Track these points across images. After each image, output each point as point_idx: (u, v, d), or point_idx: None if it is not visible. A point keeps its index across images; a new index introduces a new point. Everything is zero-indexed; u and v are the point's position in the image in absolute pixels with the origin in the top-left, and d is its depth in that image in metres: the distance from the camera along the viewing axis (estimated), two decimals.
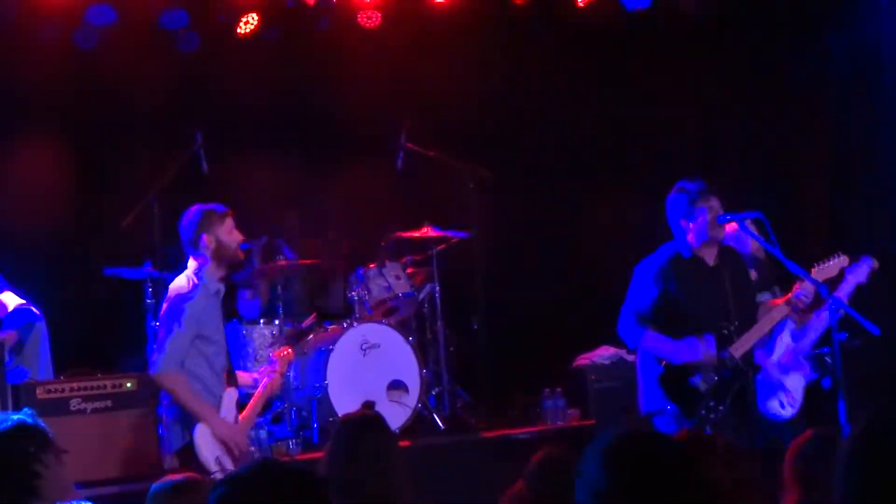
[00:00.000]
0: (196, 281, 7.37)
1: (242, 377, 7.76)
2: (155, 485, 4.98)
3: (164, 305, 7.43)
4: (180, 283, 7.43)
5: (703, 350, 7.57)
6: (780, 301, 7.86)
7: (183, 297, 7.28)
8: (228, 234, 7.42)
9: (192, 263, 7.45)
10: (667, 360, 7.66)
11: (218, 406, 7.38)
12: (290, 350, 8.11)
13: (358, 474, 5.16)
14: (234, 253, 7.46)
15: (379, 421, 5.64)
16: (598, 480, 2.70)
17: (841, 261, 7.89)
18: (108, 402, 8.53)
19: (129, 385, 8.02)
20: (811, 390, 8.06)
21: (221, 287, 7.52)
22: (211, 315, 7.36)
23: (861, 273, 7.90)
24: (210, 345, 7.34)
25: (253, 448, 7.72)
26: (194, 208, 7.47)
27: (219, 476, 6.79)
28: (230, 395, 7.53)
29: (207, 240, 7.35)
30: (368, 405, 5.92)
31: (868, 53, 11.07)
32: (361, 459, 5.29)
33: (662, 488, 2.67)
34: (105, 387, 8.57)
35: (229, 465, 7.13)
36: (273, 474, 2.91)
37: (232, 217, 7.48)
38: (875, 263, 7.92)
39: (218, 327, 7.43)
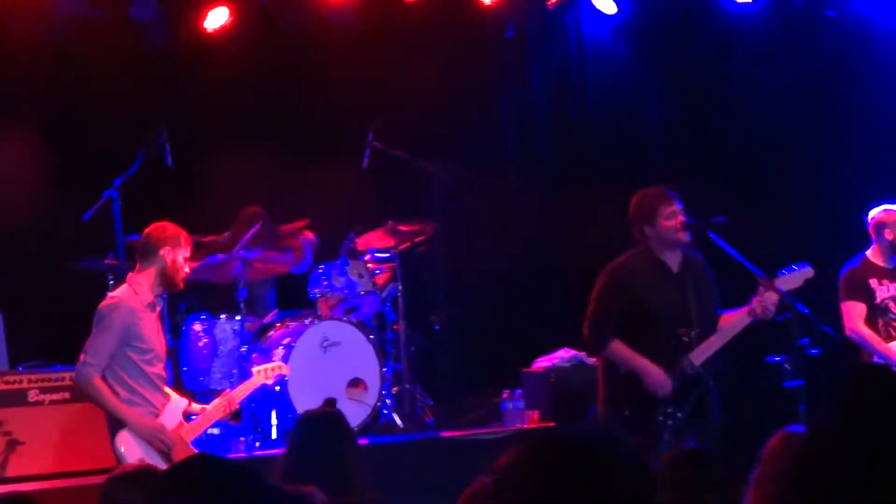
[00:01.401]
0: (132, 291, 7.43)
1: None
2: (110, 475, 4.91)
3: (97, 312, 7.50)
4: (117, 291, 7.55)
5: (660, 386, 7.56)
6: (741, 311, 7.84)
7: (111, 307, 7.36)
8: (183, 260, 7.51)
9: (135, 273, 7.53)
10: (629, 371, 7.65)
11: (156, 413, 7.40)
12: (283, 366, 8.17)
13: (317, 470, 5.11)
14: (179, 279, 7.54)
15: (338, 418, 5.60)
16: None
17: (805, 272, 7.86)
18: (66, 395, 8.46)
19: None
20: (773, 395, 8.05)
21: (159, 300, 7.62)
22: (145, 324, 7.39)
23: (795, 280, 7.88)
24: (144, 353, 7.36)
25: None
26: (169, 224, 7.54)
27: None
28: (175, 404, 7.53)
29: (164, 255, 7.43)
30: (330, 402, 5.89)
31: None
32: (320, 455, 5.25)
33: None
34: (63, 379, 8.53)
35: (158, 462, 7.03)
36: (205, 466, 3.00)
37: (191, 247, 7.61)
38: (811, 272, 7.91)
39: (151, 337, 7.43)
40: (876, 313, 9.00)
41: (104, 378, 7.29)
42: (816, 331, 7.59)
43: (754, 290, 7.76)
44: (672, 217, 7.78)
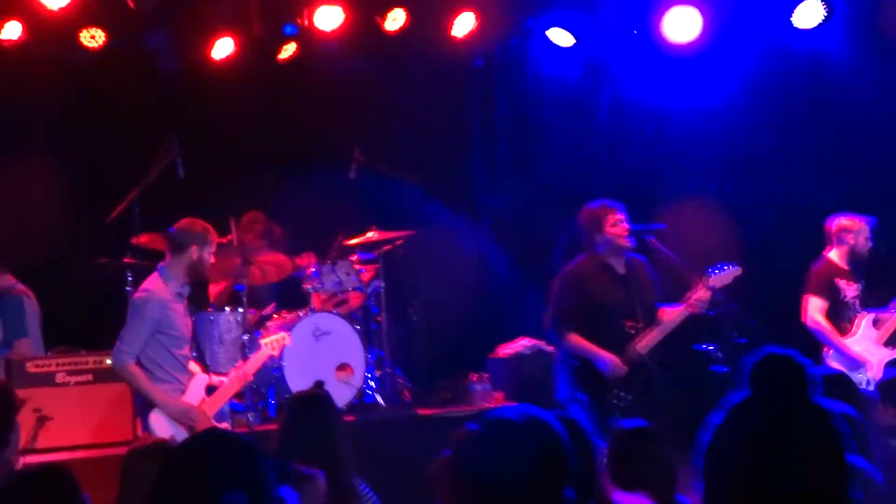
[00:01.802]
0: (161, 282, 7.44)
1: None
2: (130, 449, 4.92)
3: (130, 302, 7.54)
4: (149, 282, 7.52)
5: (615, 369, 7.61)
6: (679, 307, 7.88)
7: (144, 300, 7.38)
8: (209, 256, 7.51)
9: (166, 265, 7.52)
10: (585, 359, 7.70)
11: (182, 390, 7.42)
12: (286, 335, 8.15)
13: (307, 443, 5.12)
14: (204, 272, 7.60)
15: (326, 398, 5.62)
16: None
17: (735, 271, 7.91)
18: (90, 377, 8.46)
19: (108, 361, 7.89)
20: (705, 380, 8.10)
21: (186, 289, 7.58)
22: (174, 311, 7.40)
23: (726, 277, 7.93)
24: (173, 339, 7.39)
25: (224, 422, 7.75)
26: (199, 222, 7.54)
27: None
28: (198, 380, 7.52)
29: (193, 251, 7.42)
30: (319, 384, 5.91)
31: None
32: (310, 430, 5.26)
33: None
34: (87, 363, 8.51)
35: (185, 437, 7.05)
36: (210, 440, 3.02)
37: (216, 242, 7.59)
38: (740, 270, 7.96)
39: (178, 322, 7.44)
40: (840, 310, 9.03)
41: (138, 362, 7.34)
42: (743, 323, 7.64)
43: (689, 288, 7.82)
44: (617, 225, 7.85)
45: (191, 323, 7.77)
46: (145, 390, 7.32)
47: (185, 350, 7.57)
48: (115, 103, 10.51)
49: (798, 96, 10.94)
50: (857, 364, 8.79)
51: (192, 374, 7.59)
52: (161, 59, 10.40)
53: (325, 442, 5.30)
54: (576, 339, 7.78)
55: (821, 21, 10.26)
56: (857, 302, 9.07)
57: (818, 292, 9.03)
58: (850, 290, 9.05)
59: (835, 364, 8.83)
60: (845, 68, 10.74)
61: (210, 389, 7.68)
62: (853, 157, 10.80)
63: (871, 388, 8.74)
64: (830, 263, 9.11)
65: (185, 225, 7.55)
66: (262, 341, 8.25)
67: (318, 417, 5.45)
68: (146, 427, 7.34)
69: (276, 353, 8.24)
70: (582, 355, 7.76)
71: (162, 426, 7.28)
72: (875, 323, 8.99)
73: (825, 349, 8.99)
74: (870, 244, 9.10)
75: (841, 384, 4.78)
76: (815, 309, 9.00)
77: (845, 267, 9.09)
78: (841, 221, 9.16)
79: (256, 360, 8.05)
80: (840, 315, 9.03)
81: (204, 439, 3.06)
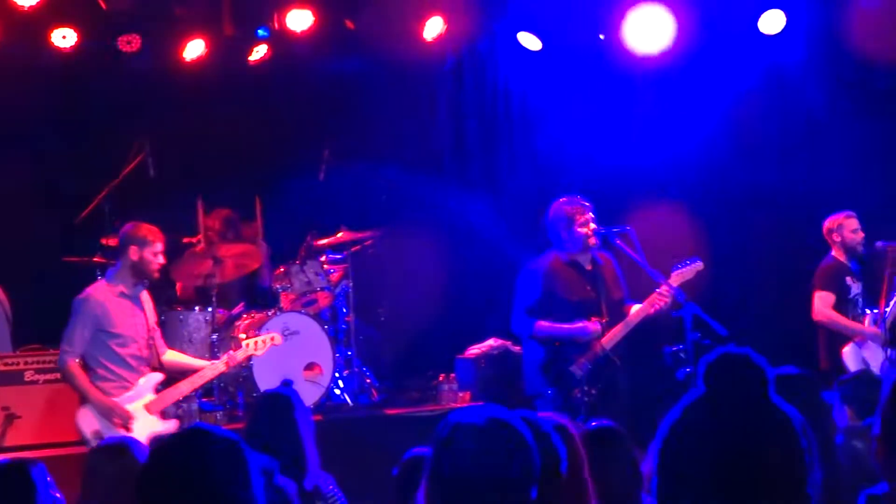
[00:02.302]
0: (104, 283, 7.72)
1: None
2: (93, 448, 4.91)
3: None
4: (92, 285, 7.85)
5: (591, 332, 7.68)
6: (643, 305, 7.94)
7: (81, 300, 7.63)
8: (152, 256, 7.67)
9: (113, 268, 7.82)
10: (559, 341, 7.74)
11: (127, 388, 7.62)
12: (276, 335, 8.29)
13: (271, 442, 5.12)
14: (150, 271, 7.72)
15: (291, 396, 5.60)
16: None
17: (696, 266, 8.00)
18: (58, 375, 8.40)
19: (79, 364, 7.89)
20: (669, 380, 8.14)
21: (137, 289, 7.78)
22: (117, 312, 7.61)
23: (688, 272, 8.01)
24: (115, 337, 7.58)
25: (171, 420, 7.87)
26: (141, 224, 7.77)
27: (93, 444, 7.10)
28: (148, 379, 7.62)
29: (132, 252, 7.63)
30: (286, 383, 5.90)
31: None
32: (275, 429, 5.26)
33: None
34: (55, 361, 8.44)
35: (115, 433, 7.39)
36: (199, 436, 2.99)
37: (162, 242, 7.74)
38: (701, 265, 8.04)
39: (123, 322, 7.64)
40: (846, 307, 9.11)
41: (82, 360, 7.58)
42: (706, 325, 7.70)
43: (654, 287, 7.89)
44: (585, 225, 7.90)
45: (145, 323, 7.79)
46: (80, 388, 7.56)
47: (134, 349, 7.70)
48: (87, 103, 10.47)
49: (761, 103, 11.05)
50: (877, 339, 8.88)
51: (141, 373, 7.72)
52: (134, 61, 10.36)
53: (291, 441, 5.30)
54: (541, 325, 7.83)
55: (783, 28, 10.40)
56: (860, 300, 9.15)
57: (825, 287, 9.17)
58: (855, 287, 9.16)
59: (850, 362, 8.90)
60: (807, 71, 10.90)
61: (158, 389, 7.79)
62: (818, 155, 10.92)
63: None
64: (838, 261, 9.22)
65: (126, 227, 7.82)
66: (245, 340, 8.26)
67: (283, 416, 5.45)
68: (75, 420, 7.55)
69: (260, 353, 8.27)
70: (554, 337, 7.80)
71: (89, 420, 7.50)
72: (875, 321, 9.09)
73: (843, 346, 9.04)
74: (859, 235, 9.18)
75: (797, 387, 4.81)
76: (823, 303, 9.12)
77: (850, 266, 9.20)
78: (825, 224, 9.33)
79: (233, 357, 8.11)
80: (844, 313, 9.12)
81: (190, 436, 3.05)
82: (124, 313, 7.67)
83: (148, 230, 7.71)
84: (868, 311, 9.08)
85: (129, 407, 7.58)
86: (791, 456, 2.62)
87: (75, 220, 9.29)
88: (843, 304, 9.15)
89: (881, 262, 9.10)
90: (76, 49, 10.02)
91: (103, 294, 7.67)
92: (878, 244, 9.07)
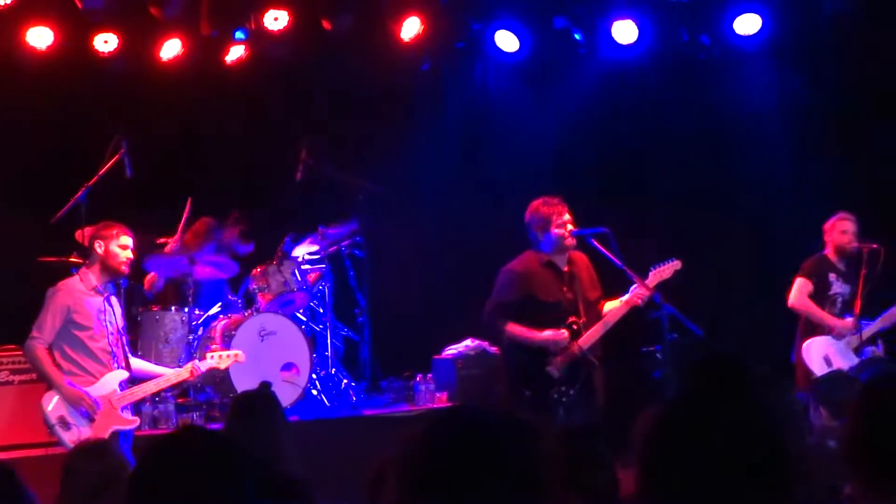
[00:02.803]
0: (77, 277, 7.81)
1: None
2: (72, 450, 4.89)
3: None
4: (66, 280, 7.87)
5: (557, 341, 7.68)
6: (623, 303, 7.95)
7: (54, 290, 7.75)
8: (117, 250, 7.75)
9: (85, 266, 7.89)
10: (526, 346, 7.75)
11: (93, 381, 7.65)
12: (240, 354, 8.29)
13: (250, 444, 5.10)
14: (117, 266, 7.77)
15: (270, 398, 5.60)
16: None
17: (674, 264, 8.02)
18: (34, 375, 8.38)
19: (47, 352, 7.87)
20: (646, 380, 8.17)
21: (108, 286, 7.85)
22: (87, 306, 7.68)
23: (666, 272, 8.03)
24: (84, 329, 7.64)
25: (133, 417, 7.87)
26: (107, 222, 7.90)
27: (58, 430, 7.45)
28: (114, 374, 7.71)
29: (96, 247, 7.75)
30: (265, 385, 5.88)
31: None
32: (255, 429, 5.24)
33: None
34: None
35: (81, 423, 7.50)
36: (193, 437, 3.00)
37: (129, 236, 7.79)
38: (679, 264, 8.06)
39: (93, 316, 7.70)
40: (823, 302, 9.17)
41: (49, 350, 7.63)
42: (682, 326, 7.72)
43: (629, 285, 7.92)
44: (562, 226, 7.92)
45: (115, 318, 7.85)
46: (45, 372, 7.60)
47: (103, 343, 7.75)
48: (63, 102, 10.42)
49: (725, 100, 11.13)
50: (841, 333, 8.93)
51: (109, 368, 7.74)
52: (109, 59, 10.31)
53: (269, 442, 5.28)
54: (512, 328, 7.85)
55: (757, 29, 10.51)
56: (840, 301, 9.17)
57: (807, 275, 9.23)
58: (837, 285, 9.19)
59: (810, 357, 8.96)
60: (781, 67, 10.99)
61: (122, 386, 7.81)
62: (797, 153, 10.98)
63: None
64: (826, 257, 9.28)
65: (91, 228, 8.03)
66: (210, 354, 8.28)
67: (261, 418, 5.44)
68: (40, 404, 7.59)
69: (221, 367, 8.29)
70: (521, 341, 7.82)
71: (55, 406, 7.53)
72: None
73: (802, 342, 9.08)
74: (848, 237, 9.21)
75: (771, 387, 4.83)
76: (800, 290, 9.17)
77: (839, 265, 9.22)
78: (824, 227, 9.34)
79: (196, 368, 8.12)
80: (820, 306, 9.16)
81: (181, 436, 3.04)
82: (95, 308, 7.74)
83: (113, 225, 7.82)
84: (847, 318, 9.12)
85: (94, 398, 7.57)
86: (777, 457, 2.62)
87: (52, 220, 9.24)
88: (822, 298, 9.20)
89: (858, 263, 9.16)
90: (52, 48, 9.98)
91: (75, 287, 7.75)
92: (853, 246, 9.11)
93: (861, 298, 8.96)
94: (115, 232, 7.75)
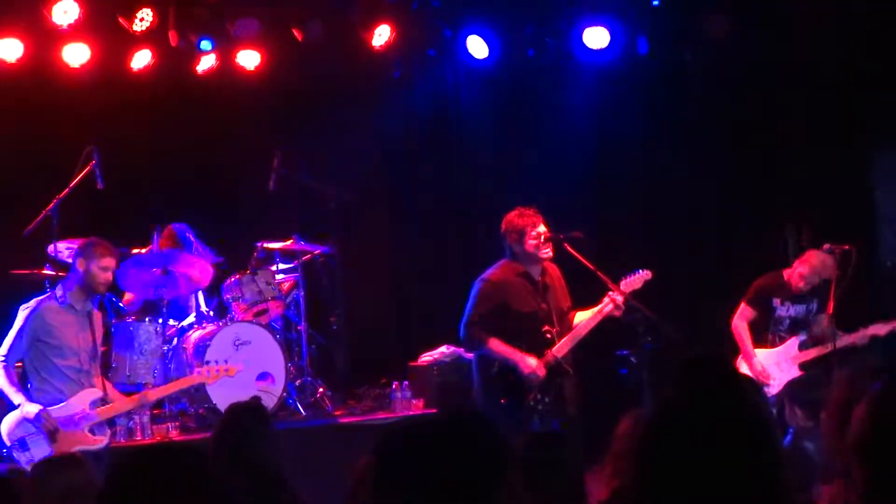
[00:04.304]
0: (53, 295, 7.75)
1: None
2: (37, 462, 4.85)
3: None
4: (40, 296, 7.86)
5: (535, 372, 7.69)
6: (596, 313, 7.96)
7: (24, 308, 7.69)
8: (98, 269, 7.67)
9: (63, 281, 7.86)
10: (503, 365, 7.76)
11: (62, 400, 7.58)
12: (233, 369, 8.26)
13: (243, 451, 5.07)
14: (97, 285, 7.73)
15: (262, 410, 5.56)
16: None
17: (644, 274, 8.04)
18: None
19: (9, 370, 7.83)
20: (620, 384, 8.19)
21: (86, 304, 7.79)
22: (60, 324, 7.63)
23: (636, 282, 8.05)
24: (54, 348, 7.59)
25: (99, 436, 7.74)
26: (91, 239, 7.82)
27: (15, 452, 7.40)
28: (86, 393, 7.65)
29: (78, 264, 7.68)
30: (256, 399, 5.85)
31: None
32: (247, 438, 5.20)
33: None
34: None
35: (40, 445, 7.40)
36: (160, 453, 3.00)
37: (112, 258, 7.74)
38: (650, 275, 8.08)
39: (65, 334, 7.64)
40: (769, 324, 9.20)
41: (24, 371, 7.66)
42: (657, 330, 7.74)
43: (604, 294, 7.93)
44: (538, 237, 7.93)
45: (89, 337, 7.79)
46: (7, 391, 7.54)
47: (73, 361, 7.68)
48: (34, 114, 10.37)
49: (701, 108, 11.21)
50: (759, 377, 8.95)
51: (82, 386, 7.68)
52: (80, 70, 10.27)
53: (259, 449, 5.25)
54: (495, 344, 7.83)
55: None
56: (789, 322, 9.17)
57: (748, 301, 9.24)
58: (782, 309, 9.17)
59: (744, 369, 9.00)
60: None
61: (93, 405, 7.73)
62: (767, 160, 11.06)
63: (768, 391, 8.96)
64: (780, 278, 9.23)
65: (77, 244, 7.90)
66: (201, 370, 8.23)
67: (253, 426, 5.39)
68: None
69: (209, 381, 8.24)
70: (502, 359, 7.81)
71: (11, 426, 7.48)
72: (801, 345, 9.10)
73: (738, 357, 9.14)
74: (803, 278, 9.14)
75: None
76: (740, 314, 9.21)
77: (791, 289, 9.17)
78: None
79: (179, 384, 8.13)
80: (765, 328, 9.18)
81: (151, 452, 3.04)
82: (68, 325, 7.67)
83: (99, 245, 7.73)
84: (792, 336, 9.17)
85: (58, 417, 7.51)
86: (768, 458, 2.63)
87: (23, 233, 9.19)
88: (766, 319, 9.23)
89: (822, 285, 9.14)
90: (22, 60, 9.94)
91: (49, 305, 7.69)
92: (825, 247, 9.12)
93: (834, 300, 8.93)
94: (100, 253, 7.68)
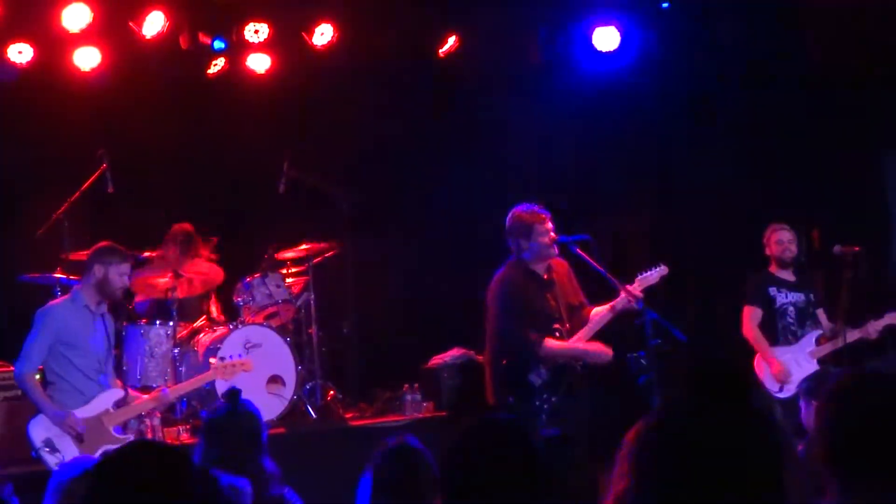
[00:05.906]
0: (69, 297, 7.77)
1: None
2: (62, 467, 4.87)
3: None
4: (56, 299, 7.94)
5: (604, 354, 7.73)
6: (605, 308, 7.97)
7: (43, 312, 7.70)
8: (117, 274, 7.69)
9: (79, 284, 7.88)
10: (576, 360, 7.77)
11: (86, 401, 7.61)
12: (248, 363, 8.22)
13: (234, 458, 5.08)
14: (113, 290, 7.75)
15: (256, 415, 5.54)
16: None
17: (661, 270, 8.02)
18: (18, 392, 8.36)
19: (37, 377, 7.85)
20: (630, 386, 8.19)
21: (101, 307, 7.80)
22: (78, 325, 7.66)
23: (652, 278, 8.06)
24: (74, 349, 7.62)
25: (122, 435, 7.79)
26: (108, 243, 7.80)
27: (43, 453, 7.41)
28: (108, 394, 7.66)
29: (96, 270, 7.66)
30: (233, 393, 5.72)
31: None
32: (240, 442, 5.21)
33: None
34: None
35: (67, 446, 7.46)
36: (142, 451, 3.00)
37: (129, 264, 7.82)
38: (666, 270, 8.08)
39: (83, 335, 7.67)
40: (774, 318, 9.19)
41: (44, 374, 7.65)
42: (667, 332, 7.73)
43: (613, 293, 7.93)
44: (545, 235, 7.89)
45: (105, 337, 7.84)
46: (34, 399, 7.58)
47: (93, 361, 7.73)
48: (44, 118, 10.41)
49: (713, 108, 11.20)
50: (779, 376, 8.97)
51: (102, 388, 7.72)
52: (91, 73, 10.31)
53: (252, 459, 5.25)
54: (551, 344, 7.76)
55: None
56: (794, 310, 9.18)
57: (751, 301, 9.24)
58: (781, 297, 9.20)
59: (765, 369, 9.03)
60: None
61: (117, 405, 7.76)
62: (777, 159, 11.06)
63: (784, 395, 8.95)
64: (766, 272, 9.28)
65: (93, 247, 7.87)
66: (216, 364, 8.23)
67: (252, 437, 5.39)
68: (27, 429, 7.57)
69: (227, 378, 8.23)
70: (564, 356, 7.78)
71: (39, 430, 7.51)
72: (817, 339, 9.13)
73: (755, 358, 9.15)
74: (783, 246, 9.24)
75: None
76: (749, 318, 9.21)
77: (783, 276, 9.23)
78: (763, 242, 9.38)
79: (196, 381, 8.16)
80: (773, 324, 9.19)
81: (133, 451, 3.03)
82: (85, 327, 7.71)
83: (116, 251, 7.76)
84: (806, 331, 9.17)
85: (84, 419, 7.55)
86: (774, 461, 2.63)
87: (35, 236, 9.24)
88: (771, 313, 9.24)
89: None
90: (33, 63, 9.99)
91: (65, 307, 7.72)
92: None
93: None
94: (118, 260, 7.71)
